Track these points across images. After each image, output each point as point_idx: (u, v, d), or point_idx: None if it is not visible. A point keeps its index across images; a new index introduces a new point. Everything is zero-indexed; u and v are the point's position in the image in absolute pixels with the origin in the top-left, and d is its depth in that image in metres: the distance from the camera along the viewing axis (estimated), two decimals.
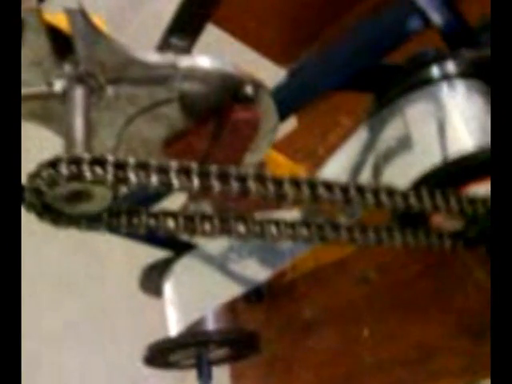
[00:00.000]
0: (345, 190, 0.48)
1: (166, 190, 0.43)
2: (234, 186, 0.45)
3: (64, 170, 0.41)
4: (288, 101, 0.65)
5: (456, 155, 0.58)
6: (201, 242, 0.84)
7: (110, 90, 0.49)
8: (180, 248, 0.85)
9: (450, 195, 0.54)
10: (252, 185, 0.45)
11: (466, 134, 0.59)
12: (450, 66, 0.62)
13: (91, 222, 0.44)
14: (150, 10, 1.45)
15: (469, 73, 0.62)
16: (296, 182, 0.47)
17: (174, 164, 0.44)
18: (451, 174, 0.58)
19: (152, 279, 0.86)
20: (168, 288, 0.84)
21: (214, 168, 0.45)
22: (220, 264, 0.78)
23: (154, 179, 0.42)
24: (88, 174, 0.41)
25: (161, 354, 0.82)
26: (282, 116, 0.58)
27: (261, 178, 0.46)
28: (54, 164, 0.41)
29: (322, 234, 0.53)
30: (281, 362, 0.89)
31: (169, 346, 0.81)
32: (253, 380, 0.93)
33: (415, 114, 0.61)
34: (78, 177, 0.41)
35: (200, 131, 0.53)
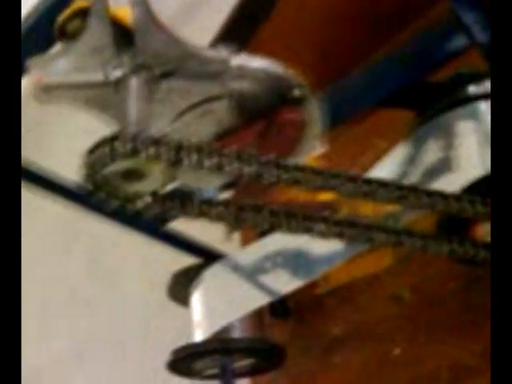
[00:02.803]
0: (399, 188, 0.48)
1: (218, 172, 0.43)
2: (291, 174, 0.44)
3: (122, 147, 0.41)
4: (331, 113, 0.65)
5: None
6: (232, 251, 0.83)
7: (163, 83, 0.49)
8: (210, 256, 0.85)
9: None
10: (302, 176, 0.45)
11: None
12: (490, 85, 0.63)
13: (145, 202, 0.44)
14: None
15: None
16: (351, 178, 0.46)
17: (227, 150, 0.43)
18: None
19: (181, 287, 0.85)
20: (196, 295, 0.83)
21: (268, 157, 0.44)
22: (251, 273, 0.78)
23: (208, 162, 0.42)
24: (146, 152, 0.40)
25: (185, 360, 0.80)
26: (328, 125, 0.58)
27: (314, 170, 0.45)
28: (113, 139, 0.41)
29: (368, 234, 0.52)
30: (305, 378, 0.87)
31: (194, 351, 0.79)
32: None
33: (458, 130, 0.62)
34: (136, 153, 0.41)
35: (247, 130, 0.53)
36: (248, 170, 0.43)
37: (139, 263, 1.30)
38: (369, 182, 0.47)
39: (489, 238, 0.59)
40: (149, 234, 0.78)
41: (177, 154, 0.42)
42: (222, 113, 0.52)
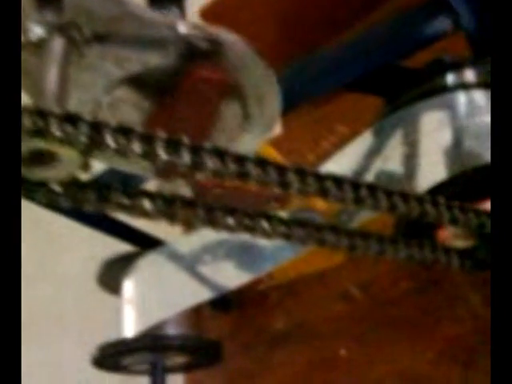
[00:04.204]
0: (356, 187, 0.41)
1: (148, 161, 0.36)
2: (231, 166, 0.37)
3: (28, 122, 0.33)
4: (295, 93, 0.58)
5: (469, 167, 0.52)
6: (170, 238, 0.77)
7: (95, 47, 0.41)
8: (146, 243, 0.77)
9: (467, 207, 0.47)
10: (252, 169, 0.38)
11: (484, 149, 0.53)
12: (470, 75, 0.57)
13: (51, 192, 0.36)
14: None
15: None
16: (301, 172, 0.40)
17: (159, 134, 0.36)
18: (465, 187, 0.52)
19: (112, 274, 0.78)
20: (128, 285, 0.76)
21: (207, 144, 0.37)
22: (190, 265, 0.71)
23: (137, 147, 0.35)
24: (57, 132, 0.33)
25: (113, 356, 0.73)
26: (288, 107, 0.51)
27: (262, 163, 0.39)
28: None
29: (319, 236, 0.45)
30: (243, 377, 0.81)
31: (122, 348, 0.73)
32: None
33: (430, 122, 0.55)
34: (44, 133, 0.33)
35: (167, 106, 0.45)
36: (182, 159, 0.36)
37: (81, 238, 1.23)
38: (321, 178, 0.40)
39: (452, 243, 0.54)
40: (77, 218, 0.70)
41: (96, 136, 0.34)
42: (133, 99, 0.44)
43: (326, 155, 0.62)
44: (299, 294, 0.79)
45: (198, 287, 0.69)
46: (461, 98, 0.56)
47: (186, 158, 0.36)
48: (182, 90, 0.44)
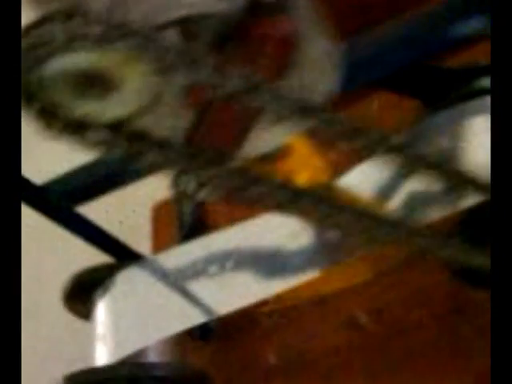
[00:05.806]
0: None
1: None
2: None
3: (82, 27, 0.24)
4: None
5: None
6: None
7: None
8: (125, 255, 0.67)
9: None
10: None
11: None
12: None
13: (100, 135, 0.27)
14: None
15: None
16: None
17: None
18: None
19: (81, 293, 0.67)
20: (101, 307, 0.65)
21: None
22: (178, 282, 0.61)
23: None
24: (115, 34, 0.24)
25: None
26: None
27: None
28: (69, 15, 0.24)
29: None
30: None
31: (93, 379, 0.62)
32: None
33: (474, 125, 0.52)
34: (106, 40, 0.24)
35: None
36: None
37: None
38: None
39: None
40: (53, 218, 0.60)
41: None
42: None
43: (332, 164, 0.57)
44: (295, 320, 0.70)
45: (187, 309, 0.59)
46: None
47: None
48: (239, 46, 0.36)
